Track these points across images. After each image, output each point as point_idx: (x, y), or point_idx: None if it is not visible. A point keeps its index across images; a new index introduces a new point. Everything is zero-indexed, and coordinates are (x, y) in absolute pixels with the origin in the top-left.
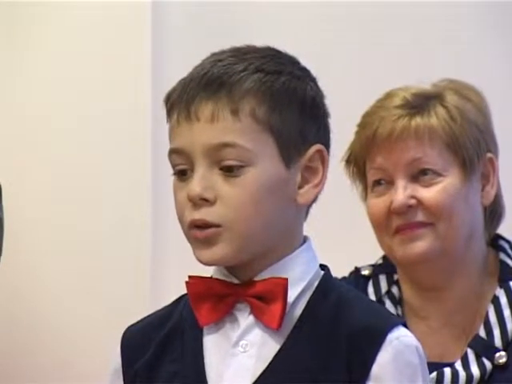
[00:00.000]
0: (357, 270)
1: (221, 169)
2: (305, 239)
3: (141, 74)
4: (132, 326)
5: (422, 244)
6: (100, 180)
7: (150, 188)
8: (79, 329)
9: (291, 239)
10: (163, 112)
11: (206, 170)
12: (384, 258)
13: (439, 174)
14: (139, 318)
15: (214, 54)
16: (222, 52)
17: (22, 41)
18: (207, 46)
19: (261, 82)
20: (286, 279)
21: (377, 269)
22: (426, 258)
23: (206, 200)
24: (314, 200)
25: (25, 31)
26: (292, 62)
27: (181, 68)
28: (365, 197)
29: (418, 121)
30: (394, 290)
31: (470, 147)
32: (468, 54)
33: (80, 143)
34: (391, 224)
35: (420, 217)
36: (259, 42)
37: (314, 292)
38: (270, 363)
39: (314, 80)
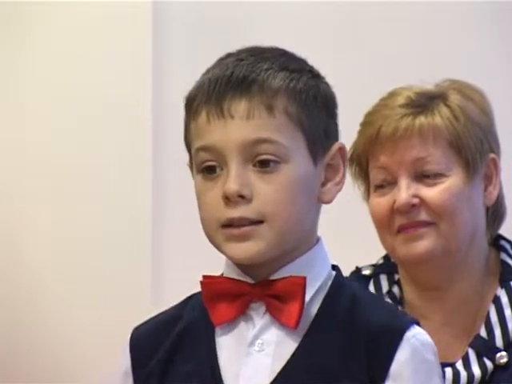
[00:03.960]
0: (358, 269)
1: (255, 165)
2: (317, 239)
3: (141, 73)
4: (139, 326)
5: (424, 243)
6: (100, 179)
7: (151, 188)
8: (79, 329)
9: (311, 238)
10: (164, 112)
11: (241, 167)
12: (385, 257)
13: (442, 174)
14: (140, 318)
15: (231, 55)
16: (239, 52)
17: (22, 40)
18: (207, 44)
19: (288, 80)
20: (305, 278)
21: (378, 268)
22: (428, 258)
23: (242, 197)
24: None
25: (25, 31)
26: (304, 61)
27: (181, 66)
28: (367, 196)
29: (421, 120)
30: (395, 289)
31: (473, 147)
32: (468, 54)
33: (80, 143)
34: (394, 223)
35: (423, 216)
36: (260, 39)
37: (329, 291)
38: (287, 362)
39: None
